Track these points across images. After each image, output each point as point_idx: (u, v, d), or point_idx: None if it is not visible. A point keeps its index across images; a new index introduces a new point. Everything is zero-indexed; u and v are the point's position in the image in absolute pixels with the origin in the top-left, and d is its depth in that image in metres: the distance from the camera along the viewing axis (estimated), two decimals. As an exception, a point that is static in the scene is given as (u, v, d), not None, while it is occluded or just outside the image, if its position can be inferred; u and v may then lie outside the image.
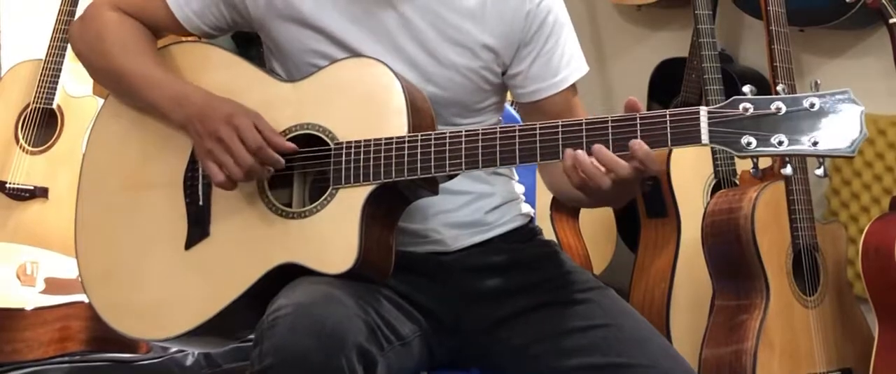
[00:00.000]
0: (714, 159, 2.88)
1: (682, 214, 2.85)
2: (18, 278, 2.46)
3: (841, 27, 2.86)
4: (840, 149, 1.39)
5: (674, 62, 3.26)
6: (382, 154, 1.53)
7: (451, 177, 1.58)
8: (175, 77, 1.66)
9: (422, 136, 1.53)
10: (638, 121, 1.45)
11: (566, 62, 1.72)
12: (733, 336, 2.50)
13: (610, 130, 1.47)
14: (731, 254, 2.52)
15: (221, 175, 1.56)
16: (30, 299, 2.37)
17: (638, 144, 1.44)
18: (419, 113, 1.56)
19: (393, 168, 1.53)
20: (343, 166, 1.55)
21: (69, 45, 2.86)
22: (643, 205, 2.98)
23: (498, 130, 1.51)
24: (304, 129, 1.59)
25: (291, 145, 1.57)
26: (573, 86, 1.73)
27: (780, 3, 2.54)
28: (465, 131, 1.52)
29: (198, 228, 1.63)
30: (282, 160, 1.57)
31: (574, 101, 1.74)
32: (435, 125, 1.60)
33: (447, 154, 1.52)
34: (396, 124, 1.54)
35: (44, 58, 2.95)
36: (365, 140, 1.55)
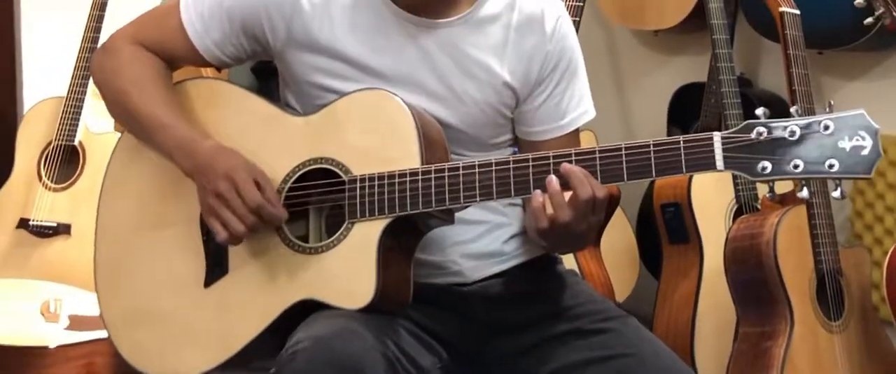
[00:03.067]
0: (735, 184, 2.86)
1: (705, 239, 2.84)
2: (42, 314, 2.47)
3: (860, 49, 2.85)
4: (857, 171, 1.38)
5: (692, 87, 3.25)
6: (396, 187, 1.54)
7: (465, 206, 1.58)
8: (184, 121, 1.66)
9: (435, 168, 1.53)
10: (651, 148, 1.45)
11: (574, 105, 1.72)
12: (758, 363, 2.48)
13: (624, 159, 1.46)
14: (754, 280, 2.50)
15: (224, 233, 1.57)
16: (53, 336, 2.37)
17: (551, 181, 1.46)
18: (432, 145, 1.57)
19: (407, 201, 1.53)
20: (357, 201, 1.55)
21: (91, 82, 2.89)
22: (665, 231, 2.97)
23: (511, 160, 1.51)
24: (318, 163, 1.60)
25: (283, 214, 1.57)
26: (577, 129, 1.73)
27: (797, 26, 2.53)
28: (479, 162, 1.52)
29: (216, 265, 1.63)
30: (284, 215, 1.57)
31: (576, 144, 1.73)
32: (448, 157, 1.60)
33: (461, 186, 1.52)
34: (409, 157, 1.54)
35: (65, 95, 2.97)
36: (378, 173, 1.55)
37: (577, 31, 3.13)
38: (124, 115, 1.72)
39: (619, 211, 3.16)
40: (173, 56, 1.73)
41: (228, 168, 1.58)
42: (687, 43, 3.47)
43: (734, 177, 2.86)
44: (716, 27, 2.89)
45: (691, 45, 3.45)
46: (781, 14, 2.51)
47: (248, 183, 1.56)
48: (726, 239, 2.59)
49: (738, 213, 2.83)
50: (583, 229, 1.50)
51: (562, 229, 1.49)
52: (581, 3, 2.97)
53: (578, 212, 1.47)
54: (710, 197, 2.86)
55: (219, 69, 1.86)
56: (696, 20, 3.14)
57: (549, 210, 1.48)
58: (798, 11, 2.53)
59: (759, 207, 2.80)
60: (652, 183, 3.06)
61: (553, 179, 1.48)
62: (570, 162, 1.48)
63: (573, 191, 1.47)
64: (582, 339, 1.65)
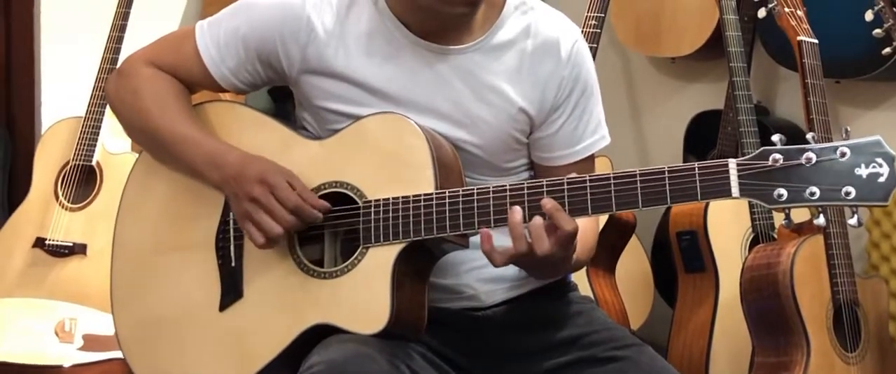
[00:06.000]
0: (751, 213, 2.85)
1: (721, 268, 2.82)
2: (57, 334, 2.47)
3: (878, 78, 2.84)
4: (874, 199, 1.38)
5: (709, 115, 3.25)
6: (411, 212, 1.54)
7: (479, 231, 1.57)
8: (210, 136, 1.67)
9: (449, 193, 1.53)
10: (666, 174, 1.45)
11: (591, 131, 1.72)
12: (774, 393, 2.46)
13: (638, 186, 1.46)
14: (771, 310, 2.49)
15: (261, 237, 1.57)
16: (68, 356, 2.38)
17: (550, 203, 1.46)
18: (446, 169, 1.57)
19: (422, 226, 1.53)
20: (372, 225, 1.55)
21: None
22: (681, 260, 2.96)
23: (525, 185, 1.51)
24: (333, 187, 1.60)
25: (325, 204, 1.58)
26: (592, 155, 1.73)
27: (815, 55, 2.53)
28: (493, 187, 1.52)
29: (231, 289, 1.64)
30: (320, 215, 1.57)
31: (591, 170, 1.73)
32: (463, 181, 1.60)
33: (476, 211, 1.52)
34: (423, 181, 1.54)
35: (83, 115, 2.99)
36: (393, 198, 1.55)
37: (593, 57, 3.14)
38: (145, 133, 1.72)
39: (634, 239, 3.15)
40: (189, 81, 1.73)
41: (260, 172, 1.58)
42: (704, 70, 3.47)
43: (751, 206, 2.85)
44: (733, 55, 2.89)
45: (708, 72, 3.45)
46: (799, 43, 2.51)
47: (283, 184, 1.57)
48: (742, 268, 2.57)
49: (754, 242, 2.81)
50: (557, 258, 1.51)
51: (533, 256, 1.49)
52: (598, 30, 2.98)
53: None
54: (727, 226, 2.85)
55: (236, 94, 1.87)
56: (714, 48, 3.14)
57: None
58: (816, 40, 2.53)
59: (775, 236, 2.79)
60: (667, 211, 3.05)
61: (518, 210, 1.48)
62: (585, 188, 1.48)
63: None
64: (597, 367, 1.64)
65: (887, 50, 2.60)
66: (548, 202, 1.47)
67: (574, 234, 1.48)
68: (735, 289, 2.61)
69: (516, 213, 1.48)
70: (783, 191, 1.40)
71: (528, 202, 1.50)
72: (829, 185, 1.39)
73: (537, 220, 1.47)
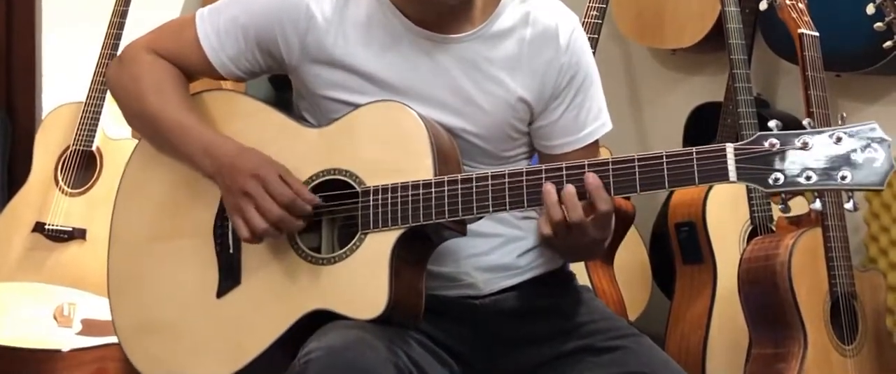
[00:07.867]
0: (750, 205, 2.85)
1: (719, 260, 2.83)
2: (55, 319, 2.48)
3: (878, 72, 2.84)
4: (869, 182, 1.39)
5: (709, 107, 3.25)
6: (409, 198, 1.54)
7: (478, 218, 1.58)
8: (207, 126, 1.68)
9: (448, 179, 1.54)
10: (664, 159, 1.45)
11: (593, 118, 1.72)
12: (770, 385, 2.47)
13: (636, 170, 1.46)
14: (768, 302, 2.49)
15: (246, 231, 1.57)
16: (66, 340, 2.39)
17: (592, 177, 1.47)
18: (445, 156, 1.57)
19: (420, 212, 1.54)
20: (371, 211, 1.56)
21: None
22: (679, 251, 2.96)
23: (524, 171, 1.52)
24: (332, 174, 1.60)
25: (316, 199, 1.58)
26: (596, 141, 1.74)
27: (816, 48, 2.53)
28: (492, 173, 1.53)
29: (229, 276, 1.64)
30: (310, 209, 1.57)
31: (595, 156, 1.73)
32: (461, 168, 1.60)
33: (474, 197, 1.52)
34: (422, 168, 1.55)
35: (84, 101, 2.99)
36: (392, 184, 1.55)
37: (594, 48, 3.15)
38: (143, 120, 1.72)
39: (632, 230, 3.15)
40: (189, 68, 1.74)
41: (254, 166, 1.59)
42: (704, 62, 3.47)
43: (750, 198, 2.86)
44: (734, 47, 2.89)
45: (709, 64, 3.45)
46: (800, 35, 2.51)
47: (276, 179, 1.57)
48: (740, 260, 2.58)
49: (752, 234, 2.82)
50: (589, 239, 1.52)
51: (575, 230, 1.50)
52: (599, 21, 2.98)
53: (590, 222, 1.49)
54: (725, 217, 2.85)
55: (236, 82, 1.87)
56: (714, 40, 3.14)
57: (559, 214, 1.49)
58: (817, 33, 2.53)
59: (773, 228, 2.79)
60: (666, 202, 3.06)
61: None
62: (583, 172, 1.48)
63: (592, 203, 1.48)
64: (595, 356, 1.65)
65: (888, 43, 2.60)
66: (592, 179, 1.47)
67: (610, 213, 1.49)
68: (733, 281, 2.61)
69: (549, 190, 1.49)
70: (779, 175, 1.41)
71: (527, 188, 1.51)
72: (825, 169, 1.40)
73: (570, 188, 1.47)
